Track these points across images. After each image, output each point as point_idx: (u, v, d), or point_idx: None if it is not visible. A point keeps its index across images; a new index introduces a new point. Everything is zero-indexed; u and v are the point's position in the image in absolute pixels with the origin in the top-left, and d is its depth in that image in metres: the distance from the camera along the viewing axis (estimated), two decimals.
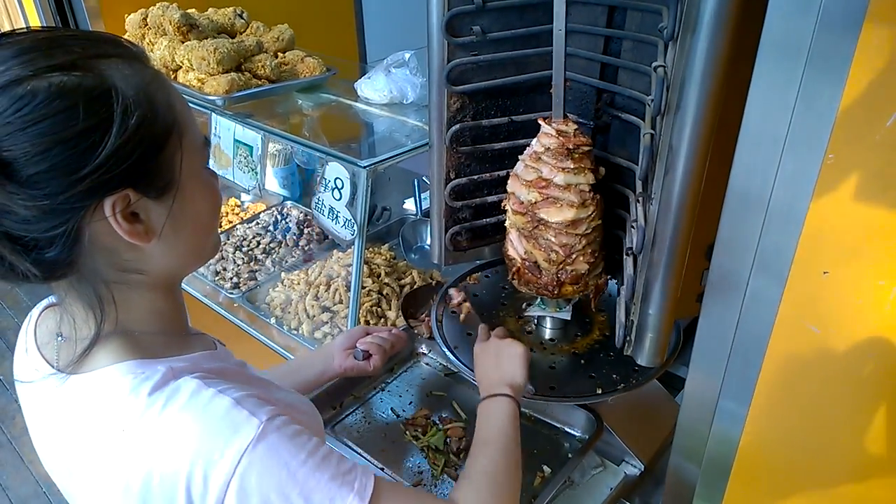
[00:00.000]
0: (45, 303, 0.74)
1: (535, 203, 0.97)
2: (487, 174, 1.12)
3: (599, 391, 1.04)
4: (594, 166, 0.95)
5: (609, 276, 1.08)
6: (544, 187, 0.95)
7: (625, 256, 0.93)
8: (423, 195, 1.89)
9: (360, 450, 1.11)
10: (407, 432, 1.16)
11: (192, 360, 0.65)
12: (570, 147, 0.93)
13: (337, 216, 1.43)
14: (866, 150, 0.54)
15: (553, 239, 0.98)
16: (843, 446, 0.71)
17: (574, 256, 0.99)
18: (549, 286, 1.03)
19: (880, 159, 0.53)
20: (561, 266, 1.00)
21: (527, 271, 1.05)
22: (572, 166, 0.93)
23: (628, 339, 0.96)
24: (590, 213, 0.95)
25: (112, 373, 0.61)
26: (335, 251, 1.78)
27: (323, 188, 1.44)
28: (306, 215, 1.98)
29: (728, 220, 0.67)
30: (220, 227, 2.00)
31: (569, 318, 1.14)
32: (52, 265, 0.57)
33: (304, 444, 0.61)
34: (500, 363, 0.99)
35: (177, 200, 0.62)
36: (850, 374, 0.65)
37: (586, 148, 0.93)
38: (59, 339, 0.66)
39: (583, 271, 1.01)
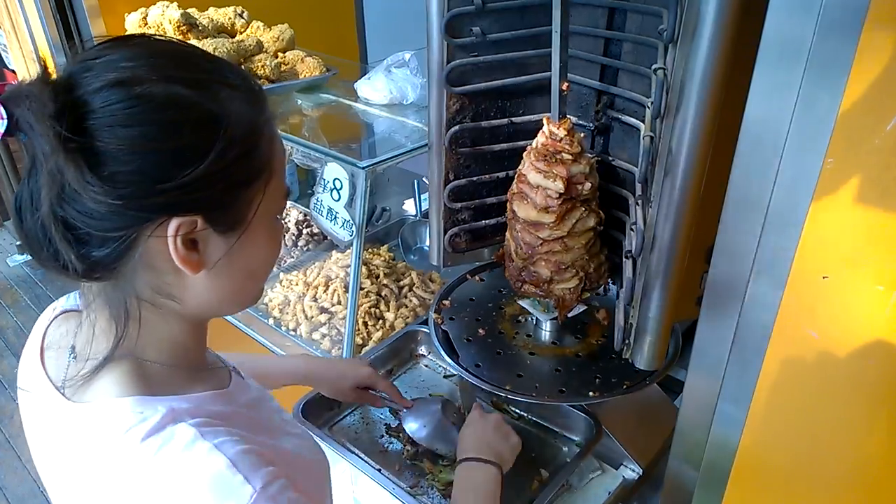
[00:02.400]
0: (60, 305, 0.71)
1: (514, 193, 0.99)
2: (487, 175, 1.12)
3: (595, 393, 1.03)
4: (571, 177, 0.92)
5: (588, 293, 1.06)
6: (522, 181, 0.97)
7: (624, 259, 0.93)
8: (422, 196, 1.89)
9: (357, 451, 1.11)
10: (393, 439, 1.16)
11: (197, 402, 0.62)
12: (550, 150, 0.93)
13: (335, 217, 1.42)
14: (866, 154, 0.53)
15: (519, 233, 1.00)
16: (843, 451, 0.71)
17: (535, 258, 0.99)
18: (513, 277, 1.06)
19: (880, 164, 0.53)
20: (525, 263, 1.01)
21: (505, 257, 1.07)
22: (544, 168, 0.93)
23: (627, 342, 0.95)
24: (551, 220, 0.94)
25: (113, 407, 0.59)
26: (334, 252, 1.77)
27: (322, 189, 1.44)
28: (305, 216, 1.97)
29: (727, 224, 0.67)
30: None
31: (545, 320, 1.14)
32: (96, 265, 0.56)
33: None
34: (495, 435, 0.99)
35: (240, 240, 0.60)
36: (849, 378, 0.65)
37: (566, 156, 0.92)
38: (72, 355, 0.64)
39: (544, 276, 1.01)
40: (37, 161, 0.52)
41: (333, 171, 1.40)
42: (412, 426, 1.10)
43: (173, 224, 0.55)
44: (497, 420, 1.01)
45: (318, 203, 1.46)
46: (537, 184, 0.94)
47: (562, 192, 0.92)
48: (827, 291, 0.61)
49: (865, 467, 0.70)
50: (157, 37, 0.59)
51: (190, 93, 0.55)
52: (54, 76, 0.54)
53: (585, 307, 1.13)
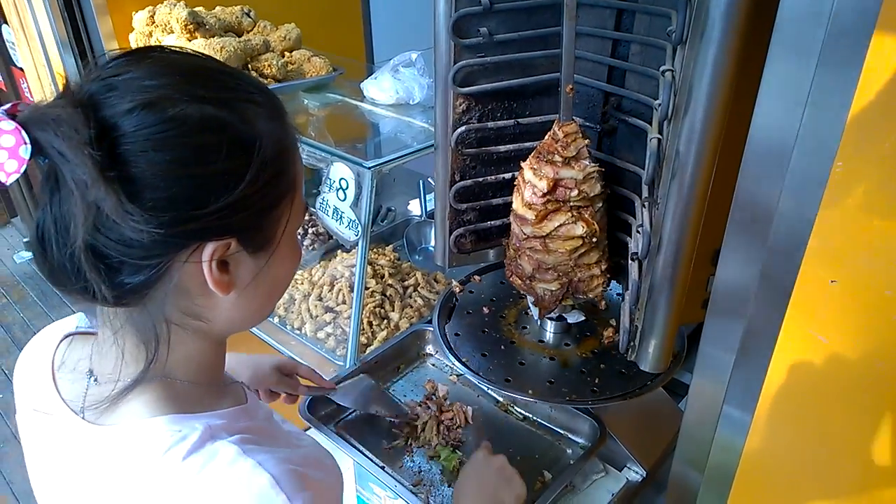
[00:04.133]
0: (64, 327, 0.69)
1: (515, 183, 1.01)
2: (492, 177, 1.12)
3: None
4: (560, 180, 0.92)
5: (572, 300, 1.07)
6: (521, 173, 0.98)
7: (630, 261, 0.92)
8: (428, 196, 1.88)
9: (362, 448, 1.11)
10: (400, 434, 1.16)
11: (228, 417, 0.62)
12: (547, 149, 0.93)
13: (341, 217, 1.43)
14: (876, 158, 0.53)
15: (512, 223, 1.01)
16: (849, 457, 0.70)
17: (521, 251, 1.00)
18: (507, 265, 1.08)
19: (890, 168, 0.53)
20: (514, 253, 1.03)
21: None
22: (535, 165, 0.94)
23: (632, 344, 0.95)
24: (532, 217, 0.94)
25: (146, 428, 0.58)
26: (339, 251, 1.77)
27: (327, 188, 1.44)
28: (311, 215, 1.98)
29: (735, 227, 0.66)
30: None
31: (535, 318, 1.15)
32: (128, 292, 0.54)
33: None
34: (497, 479, 0.92)
35: (270, 260, 0.60)
36: (857, 383, 0.65)
37: (557, 158, 0.92)
38: (91, 378, 0.62)
39: (526, 272, 1.02)
40: (63, 188, 0.50)
41: (339, 171, 1.40)
42: (346, 400, 1.14)
43: (209, 249, 0.54)
44: (501, 463, 0.95)
45: (324, 202, 1.46)
46: (528, 179, 0.95)
47: (545, 191, 0.92)
48: (835, 296, 0.60)
49: (872, 473, 0.69)
50: (173, 50, 0.58)
51: (221, 113, 0.53)
52: (78, 97, 0.51)
53: (584, 317, 1.12)
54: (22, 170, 0.48)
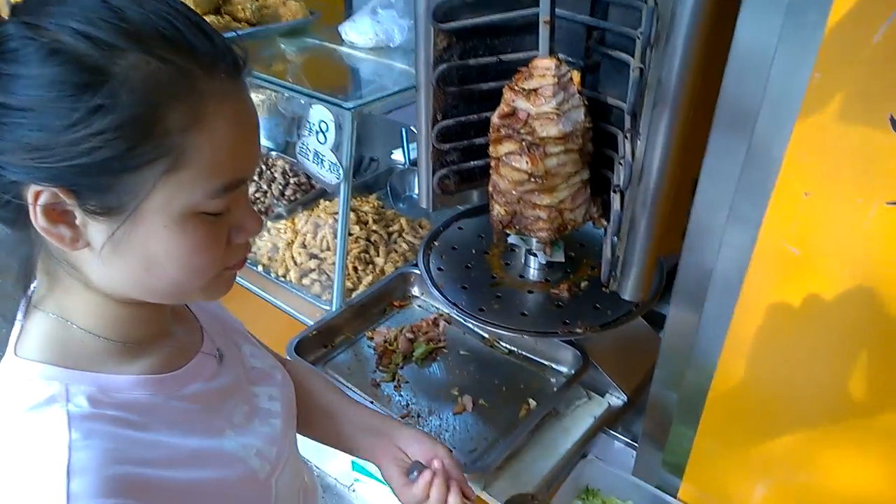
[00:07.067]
0: None
1: None
2: (475, 115, 1.12)
3: (581, 329, 1.06)
4: (516, 109, 0.94)
5: (513, 232, 1.10)
6: None
7: (612, 194, 0.94)
8: (411, 145, 1.88)
9: (350, 385, 1.14)
10: (386, 371, 1.19)
11: (114, 384, 0.58)
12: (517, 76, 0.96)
13: (322, 160, 1.42)
14: (853, 67, 0.55)
15: None
16: (820, 371, 0.74)
17: (490, 169, 1.05)
18: None
19: (866, 76, 0.54)
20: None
21: None
22: (505, 89, 0.97)
23: (613, 274, 0.98)
24: (491, 137, 1.00)
25: (20, 368, 0.56)
26: (321, 200, 1.77)
27: (307, 132, 1.43)
28: (291, 166, 1.96)
29: (715, 146, 0.68)
30: None
31: (514, 243, 1.18)
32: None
33: None
34: None
35: (126, 230, 0.52)
36: (827, 295, 0.68)
37: (516, 87, 0.94)
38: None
39: (489, 189, 1.07)
40: None
41: (319, 114, 1.39)
42: None
43: (29, 192, 0.50)
44: None
45: (304, 147, 1.45)
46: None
47: (501, 115, 0.96)
48: (808, 208, 0.63)
49: (844, 393, 0.73)
50: None
51: (89, 52, 0.47)
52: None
53: (546, 260, 1.14)
54: None
